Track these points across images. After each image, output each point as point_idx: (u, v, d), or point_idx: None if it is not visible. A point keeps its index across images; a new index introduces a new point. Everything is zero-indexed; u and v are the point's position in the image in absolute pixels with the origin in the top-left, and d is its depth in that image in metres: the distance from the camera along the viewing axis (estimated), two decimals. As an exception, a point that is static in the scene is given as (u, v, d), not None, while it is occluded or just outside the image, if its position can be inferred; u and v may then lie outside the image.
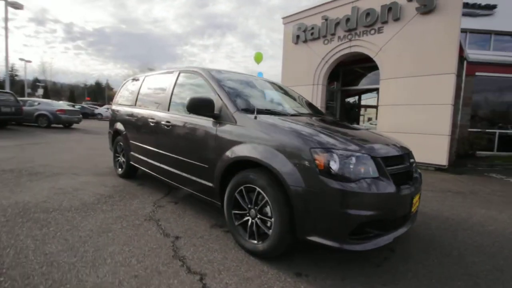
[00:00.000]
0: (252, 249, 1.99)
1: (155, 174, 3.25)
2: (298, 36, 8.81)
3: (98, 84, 67.04)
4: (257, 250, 1.96)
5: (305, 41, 8.66)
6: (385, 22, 6.81)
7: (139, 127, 3.51)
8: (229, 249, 2.12)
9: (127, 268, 1.79)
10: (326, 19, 8.02)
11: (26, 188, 3.36)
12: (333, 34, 7.94)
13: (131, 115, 3.75)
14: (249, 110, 2.28)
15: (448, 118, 6.01)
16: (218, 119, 2.33)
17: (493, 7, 10.51)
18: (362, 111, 10.49)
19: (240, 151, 2.07)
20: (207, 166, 2.38)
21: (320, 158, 1.69)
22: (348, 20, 7.49)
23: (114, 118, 4.34)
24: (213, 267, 1.86)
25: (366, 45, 7.29)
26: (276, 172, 1.81)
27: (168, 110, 2.99)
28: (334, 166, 1.68)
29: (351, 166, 1.70)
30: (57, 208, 2.77)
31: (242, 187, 2.07)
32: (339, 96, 9.84)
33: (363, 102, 10.69)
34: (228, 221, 2.21)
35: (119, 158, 4.17)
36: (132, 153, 3.72)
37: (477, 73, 8.55)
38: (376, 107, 10.60)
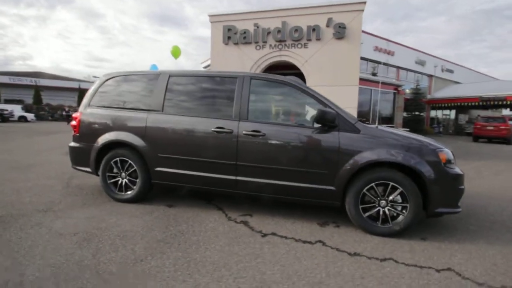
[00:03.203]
0: (388, 231, 2.53)
1: (217, 189, 2.97)
2: (229, 37, 9.06)
3: None
4: (394, 230, 2.52)
5: (237, 43, 9.06)
6: (310, 40, 8.39)
7: (185, 137, 3.00)
8: (367, 236, 2.55)
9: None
10: (258, 27, 8.76)
11: (19, 246, 2.16)
12: (265, 42, 8.81)
13: (162, 123, 3.07)
14: (359, 120, 2.75)
15: (355, 117, 8.35)
16: (335, 128, 2.64)
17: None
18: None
19: (372, 155, 2.52)
20: (327, 172, 2.62)
21: (442, 155, 2.51)
22: (279, 31, 8.57)
23: (99, 126, 3.35)
24: (386, 252, 2.26)
25: (294, 56, 8.66)
26: (414, 168, 2.45)
27: (247, 119, 2.84)
28: (449, 159, 2.55)
29: (452, 158, 2.62)
30: (144, 258, 2.10)
31: (373, 184, 2.55)
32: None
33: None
34: (355, 216, 2.60)
35: (119, 178, 3.27)
36: (159, 169, 3.08)
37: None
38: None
